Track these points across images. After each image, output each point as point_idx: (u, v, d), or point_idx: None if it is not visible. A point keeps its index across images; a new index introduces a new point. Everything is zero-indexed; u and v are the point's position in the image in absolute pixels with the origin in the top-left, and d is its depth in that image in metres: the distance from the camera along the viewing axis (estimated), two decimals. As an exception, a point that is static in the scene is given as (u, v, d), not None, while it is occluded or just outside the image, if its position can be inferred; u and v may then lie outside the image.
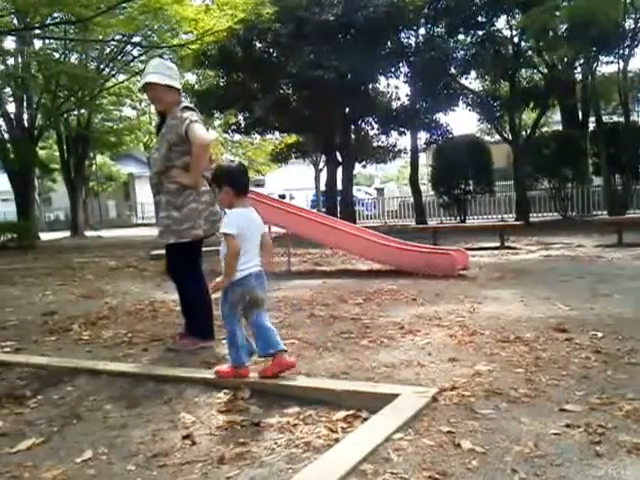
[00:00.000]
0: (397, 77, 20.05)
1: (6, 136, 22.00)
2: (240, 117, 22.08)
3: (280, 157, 25.76)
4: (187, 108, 3.91)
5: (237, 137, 29.68)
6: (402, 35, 19.39)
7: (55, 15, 17.59)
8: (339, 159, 21.56)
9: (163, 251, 9.36)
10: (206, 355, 3.86)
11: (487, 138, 25.21)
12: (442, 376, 3.15)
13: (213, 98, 18.95)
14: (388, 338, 4.15)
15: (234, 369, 3.14)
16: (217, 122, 27.41)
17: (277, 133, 24.51)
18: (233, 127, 22.57)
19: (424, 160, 31.20)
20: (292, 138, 24.81)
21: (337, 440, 2.41)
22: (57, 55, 21.81)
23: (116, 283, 8.20)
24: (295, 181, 43.21)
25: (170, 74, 3.95)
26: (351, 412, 2.70)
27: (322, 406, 2.82)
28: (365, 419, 2.62)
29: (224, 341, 4.23)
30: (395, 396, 2.74)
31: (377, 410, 2.62)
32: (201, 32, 18.37)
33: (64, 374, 3.52)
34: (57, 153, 28.07)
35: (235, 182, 3.14)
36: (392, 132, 21.11)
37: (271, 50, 18.89)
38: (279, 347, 3.08)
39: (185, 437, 2.55)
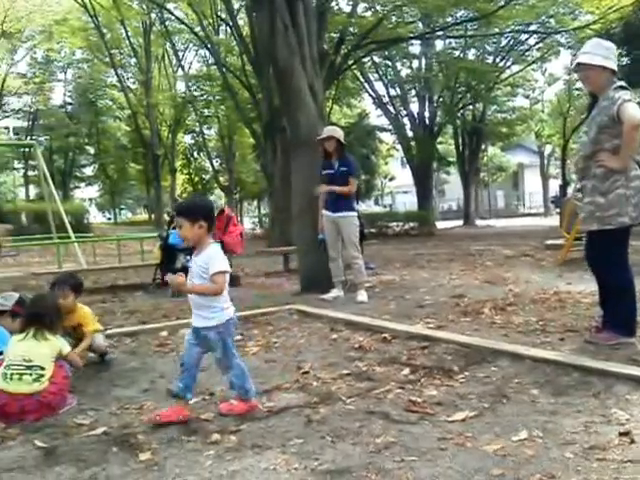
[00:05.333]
0: None
1: (410, 134, 24.18)
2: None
3: None
4: (621, 87, 3.70)
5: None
6: None
7: (457, 15, 18.56)
8: None
9: (559, 241, 9.09)
10: (630, 352, 3.61)
11: None
12: None
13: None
14: None
15: (248, 402, 3.04)
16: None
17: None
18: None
19: None
20: None
21: None
22: (457, 53, 23.00)
23: (515, 271, 8.27)
24: None
25: (605, 54, 3.77)
26: None
27: None
28: None
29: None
30: None
31: None
32: (603, 11, 17.18)
33: (486, 354, 3.72)
34: (452, 147, 29.72)
35: (211, 218, 3.03)
36: None
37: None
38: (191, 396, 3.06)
39: (622, 434, 2.43)
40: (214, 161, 33.33)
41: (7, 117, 35.79)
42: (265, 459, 2.39)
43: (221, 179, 32.37)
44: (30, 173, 37.02)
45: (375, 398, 3.10)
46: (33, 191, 38.40)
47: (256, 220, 30.28)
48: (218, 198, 38.83)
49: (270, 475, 2.25)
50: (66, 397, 3.18)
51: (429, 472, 2.20)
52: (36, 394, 3.00)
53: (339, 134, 6.51)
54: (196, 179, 35.75)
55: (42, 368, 3.07)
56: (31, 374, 3.03)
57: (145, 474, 2.32)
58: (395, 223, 22.22)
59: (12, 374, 3.02)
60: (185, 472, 2.32)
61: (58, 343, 3.26)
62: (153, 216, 30.00)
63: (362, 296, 6.33)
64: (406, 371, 3.53)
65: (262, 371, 3.74)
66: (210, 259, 2.91)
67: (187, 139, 36.50)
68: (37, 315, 3.26)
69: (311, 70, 7.22)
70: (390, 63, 23.32)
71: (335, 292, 6.56)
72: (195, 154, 36.04)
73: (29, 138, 31.20)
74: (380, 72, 23.50)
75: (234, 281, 8.34)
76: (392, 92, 24.47)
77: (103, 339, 4.16)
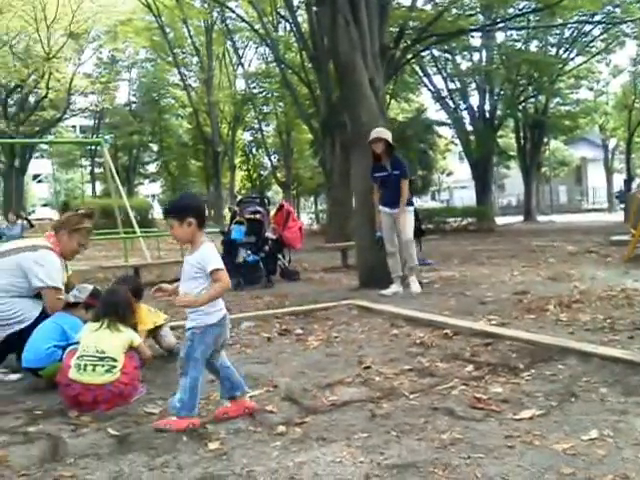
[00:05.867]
0: None
1: (469, 128, 23.76)
2: None
3: None
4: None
5: None
6: None
7: (519, 6, 18.11)
8: None
9: (625, 237, 8.87)
10: None
11: None
12: None
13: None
14: None
15: (187, 419, 2.80)
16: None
17: None
18: None
19: None
20: None
21: None
22: (519, 45, 22.43)
23: (579, 267, 8.04)
24: None
25: None
26: None
27: None
28: None
29: None
30: None
31: None
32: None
33: (553, 352, 3.64)
34: (513, 140, 29.06)
35: (201, 214, 2.90)
36: None
37: None
38: (245, 388, 2.99)
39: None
40: (272, 157, 33.70)
41: (74, 116, 37.13)
42: (331, 452, 2.42)
43: (279, 175, 32.68)
44: (96, 170, 38.33)
45: (439, 394, 3.09)
46: (99, 187, 39.75)
47: (313, 216, 30.46)
48: (275, 194, 39.22)
49: (336, 467, 2.28)
50: (137, 387, 3.29)
51: (498, 470, 2.18)
52: (108, 384, 3.12)
53: (387, 135, 6.50)
54: (254, 175, 36.21)
55: (114, 360, 3.18)
56: (103, 365, 3.15)
57: (215, 463, 2.38)
58: (453, 219, 21.95)
59: (85, 365, 3.14)
60: (253, 462, 2.37)
61: (129, 335, 3.37)
62: (213, 212, 30.55)
63: (414, 285, 6.33)
64: (470, 368, 3.50)
65: (324, 365, 3.78)
66: (203, 258, 2.80)
67: (246, 136, 37.05)
68: (112, 307, 3.38)
69: (372, 65, 7.21)
70: (450, 56, 22.97)
71: (394, 288, 6.55)
72: (254, 150, 36.51)
73: (95, 136, 32.28)
74: (439, 66, 23.20)
75: (293, 276, 8.45)
76: (451, 86, 24.12)
77: (173, 337, 4.27)
